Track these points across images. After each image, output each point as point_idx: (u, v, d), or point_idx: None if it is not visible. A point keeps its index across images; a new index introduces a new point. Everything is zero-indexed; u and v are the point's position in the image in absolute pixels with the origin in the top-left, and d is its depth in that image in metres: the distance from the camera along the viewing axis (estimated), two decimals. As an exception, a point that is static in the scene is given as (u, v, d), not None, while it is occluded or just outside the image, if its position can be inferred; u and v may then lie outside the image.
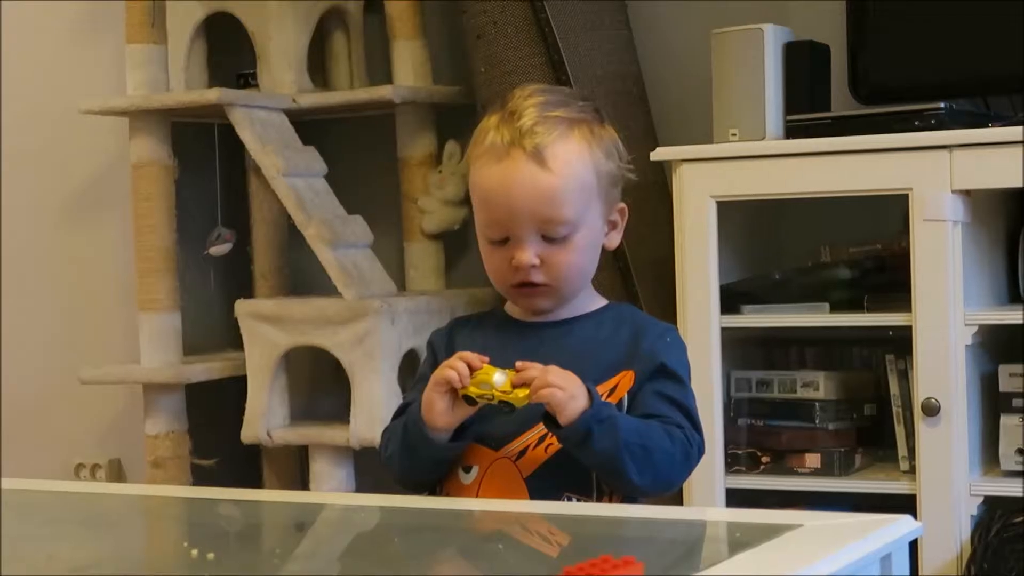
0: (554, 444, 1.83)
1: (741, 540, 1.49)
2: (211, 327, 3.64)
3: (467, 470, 1.88)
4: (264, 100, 3.40)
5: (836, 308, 2.88)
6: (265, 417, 3.27)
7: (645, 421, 1.84)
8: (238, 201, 3.56)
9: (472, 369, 1.82)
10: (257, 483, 3.51)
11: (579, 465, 1.83)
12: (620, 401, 1.87)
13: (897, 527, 1.52)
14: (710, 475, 2.82)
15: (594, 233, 1.89)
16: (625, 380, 1.87)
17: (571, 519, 1.74)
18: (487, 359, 1.83)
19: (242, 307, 3.30)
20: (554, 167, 1.84)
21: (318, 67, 3.59)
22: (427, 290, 3.47)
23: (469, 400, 1.83)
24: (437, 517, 1.86)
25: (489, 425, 1.88)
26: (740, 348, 3.01)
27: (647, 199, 3.17)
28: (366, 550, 1.75)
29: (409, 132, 3.50)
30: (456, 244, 3.57)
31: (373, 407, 3.12)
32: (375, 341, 3.11)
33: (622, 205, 1.94)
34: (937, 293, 2.66)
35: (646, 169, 3.12)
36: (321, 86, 3.58)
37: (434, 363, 1.92)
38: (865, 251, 3.02)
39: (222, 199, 3.57)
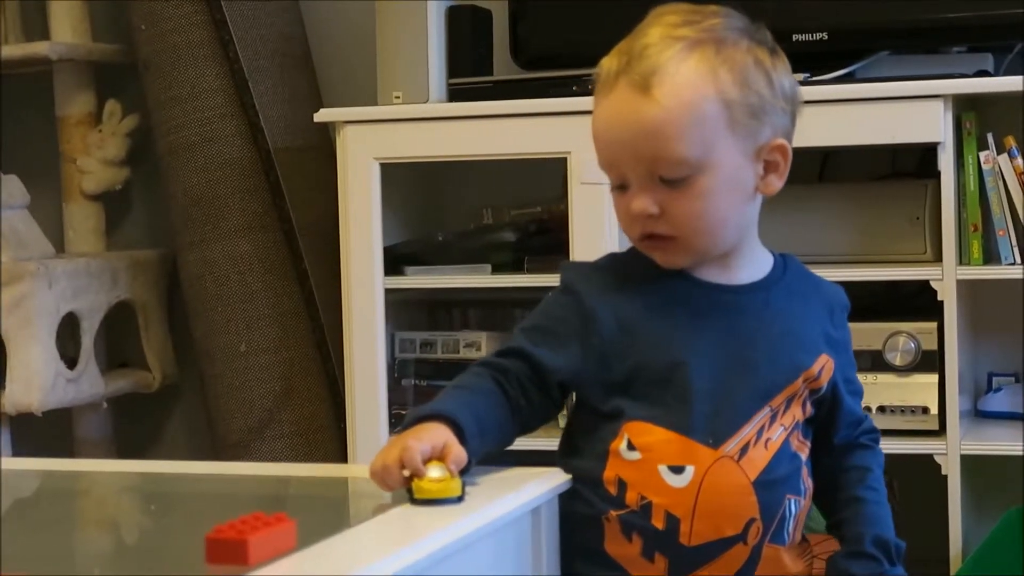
0: (774, 440, 1.61)
1: (400, 496, 1.51)
2: None
3: (677, 470, 1.58)
4: (-88, 54, 3.26)
5: (498, 270, 2.93)
6: (-84, 384, 3.15)
7: (879, 506, 1.69)
8: None
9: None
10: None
11: (793, 464, 1.63)
12: (819, 390, 1.65)
13: (547, 480, 1.56)
14: (374, 436, 2.84)
15: (728, 175, 1.58)
16: (827, 368, 1.66)
17: (227, 478, 1.74)
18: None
19: None
20: (659, 96, 1.55)
21: (-29, 21, 3.47)
22: (87, 252, 3.39)
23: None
24: (96, 480, 1.83)
25: (690, 414, 1.59)
26: (404, 309, 3.04)
27: (311, 161, 3.17)
28: (15, 516, 1.72)
29: (67, 90, 3.40)
30: (117, 205, 3.50)
31: (30, 372, 3.04)
32: (32, 305, 3.03)
33: (780, 142, 1.61)
34: (593, 253, 2.72)
35: (310, 131, 3.12)
36: (-26, 41, 3.45)
37: (579, 311, 1.61)
38: (526, 214, 3.07)
39: None
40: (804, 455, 1.65)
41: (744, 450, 1.59)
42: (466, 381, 1.62)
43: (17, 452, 3.17)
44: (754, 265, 1.67)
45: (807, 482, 1.66)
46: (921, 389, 2.62)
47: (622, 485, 1.59)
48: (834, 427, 1.69)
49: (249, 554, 1.28)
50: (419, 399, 2.98)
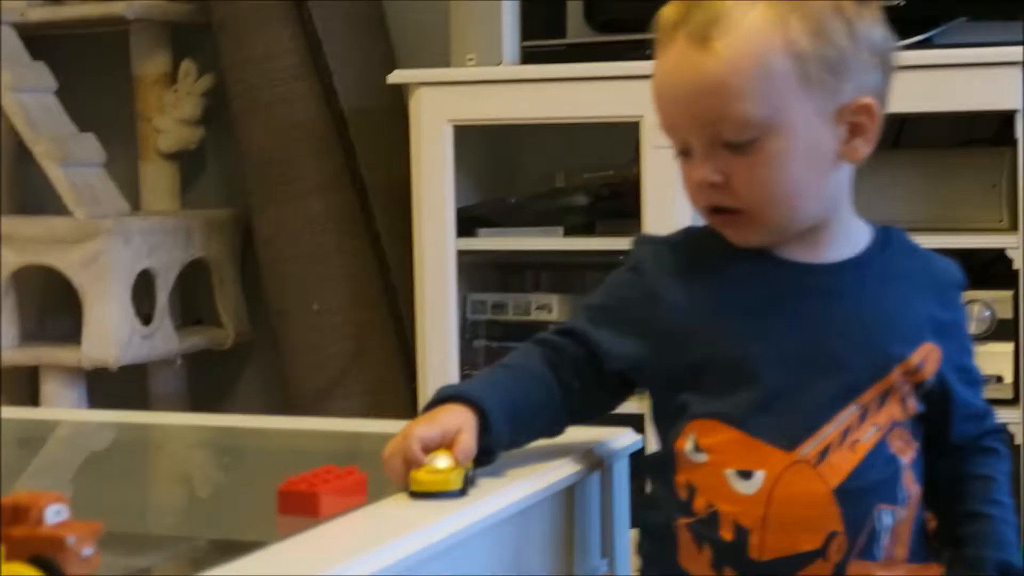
0: (863, 441, 1.40)
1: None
2: (-64, 246, 3.54)
3: (745, 475, 1.39)
4: (-8, 13, 3.30)
5: (570, 232, 2.93)
6: (-7, 338, 3.20)
7: (1004, 524, 1.48)
8: (-35, 117, 3.46)
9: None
10: (-15, 406, 3.43)
11: (888, 469, 1.42)
12: (924, 383, 1.44)
13: (618, 440, 1.56)
14: (444, 396, 2.84)
15: (801, 138, 1.39)
16: (931, 357, 1.44)
17: (299, 433, 1.75)
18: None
19: (-31, 226, 3.22)
20: (720, 48, 1.37)
21: (49, -20, 3.50)
22: (162, 210, 3.42)
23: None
24: (170, 433, 1.85)
25: (760, 412, 1.40)
26: (476, 271, 3.05)
27: (384, 122, 3.18)
28: (91, 467, 1.74)
29: (143, 50, 3.43)
30: (192, 164, 3.53)
31: (105, 328, 3.07)
32: (107, 261, 3.06)
33: (865, 101, 1.41)
34: (665, 218, 2.73)
35: (383, 93, 3.12)
36: (52, 0, 3.48)
37: (644, 293, 1.46)
38: (598, 177, 3.07)
39: (-52, 115, 3.45)
40: (908, 458, 1.44)
41: (824, 453, 1.39)
42: (513, 360, 1.49)
43: (92, 406, 3.21)
44: (847, 241, 1.46)
45: (909, 489, 1.44)
46: (996, 358, 2.59)
47: (691, 490, 1.42)
48: (948, 424, 1.47)
49: (320, 506, 1.29)
50: (490, 360, 2.99)
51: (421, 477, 1.34)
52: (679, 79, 1.40)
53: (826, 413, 1.40)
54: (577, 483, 1.48)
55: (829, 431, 1.39)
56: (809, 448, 1.39)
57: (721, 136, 1.38)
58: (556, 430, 1.49)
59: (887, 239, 1.49)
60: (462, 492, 1.34)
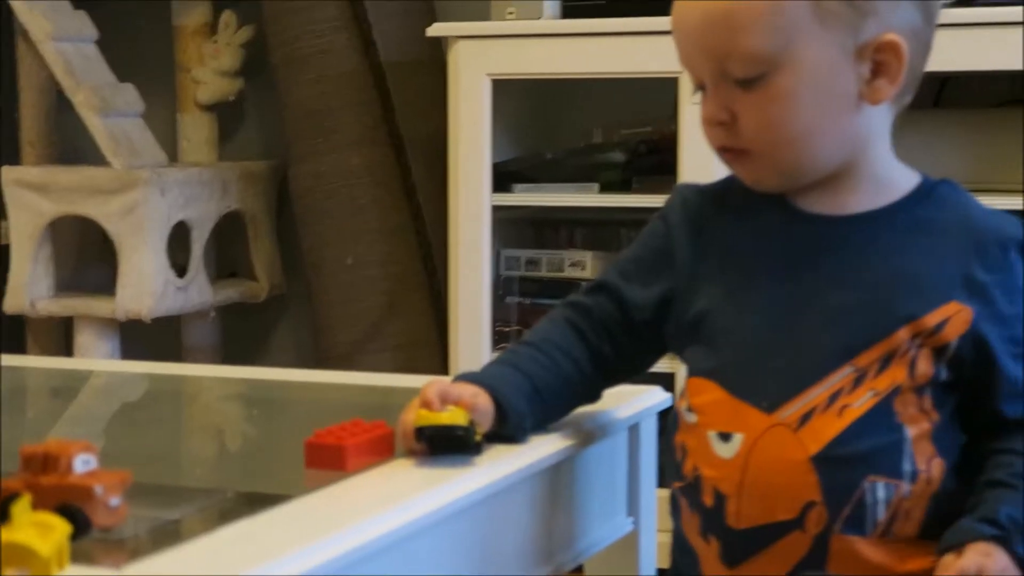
0: (854, 407, 1.30)
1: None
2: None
3: (724, 438, 1.32)
4: (32, -39, 3.29)
5: (606, 189, 2.92)
6: (29, 287, 3.20)
7: None
8: (4, 66, 3.46)
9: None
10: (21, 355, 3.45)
11: (886, 438, 1.30)
12: (948, 347, 1.31)
13: (646, 398, 1.56)
14: (477, 352, 2.85)
15: (814, 76, 1.30)
16: (958, 319, 1.31)
17: (329, 387, 1.75)
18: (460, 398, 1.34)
19: (7, 174, 3.22)
20: None
21: (89, -71, 3.49)
22: (199, 162, 3.42)
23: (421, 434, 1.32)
24: (200, 384, 1.85)
25: (745, 371, 1.34)
26: (511, 227, 3.04)
27: (422, 76, 3.16)
28: (122, 417, 1.74)
29: (184, 0, 3.43)
30: (230, 116, 3.52)
31: (141, 279, 3.08)
32: (144, 212, 3.07)
33: (890, 38, 1.31)
34: (703, 176, 2.70)
35: (422, 46, 3.11)
36: (92, -51, 3.48)
37: (665, 243, 1.42)
38: (636, 133, 3.05)
39: (-13, 63, 3.46)
40: (919, 428, 1.31)
41: (806, 417, 1.30)
42: (536, 335, 1.43)
43: (126, 358, 3.22)
44: (877, 191, 1.37)
45: (923, 464, 1.31)
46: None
47: (684, 452, 1.36)
48: (993, 400, 1.34)
49: (347, 459, 1.29)
50: (522, 316, 2.99)
51: (426, 412, 1.31)
52: (690, 11, 1.34)
53: (814, 374, 1.32)
54: (603, 442, 1.47)
55: (815, 394, 1.31)
56: (791, 411, 1.31)
57: (728, 71, 1.31)
58: (589, 399, 1.45)
59: (929, 191, 1.39)
60: (470, 439, 1.30)
